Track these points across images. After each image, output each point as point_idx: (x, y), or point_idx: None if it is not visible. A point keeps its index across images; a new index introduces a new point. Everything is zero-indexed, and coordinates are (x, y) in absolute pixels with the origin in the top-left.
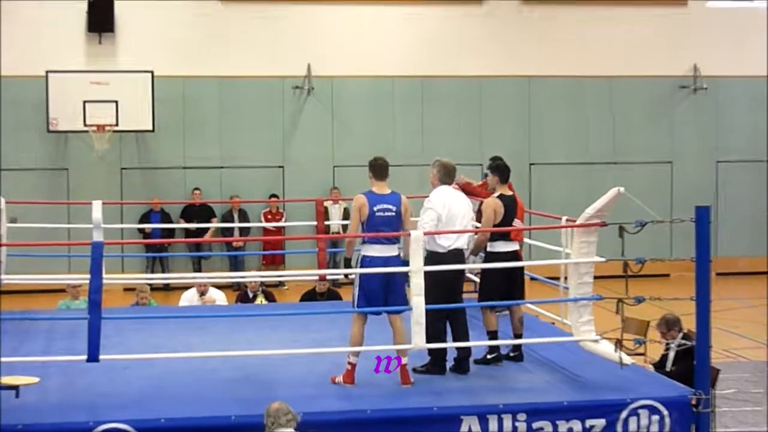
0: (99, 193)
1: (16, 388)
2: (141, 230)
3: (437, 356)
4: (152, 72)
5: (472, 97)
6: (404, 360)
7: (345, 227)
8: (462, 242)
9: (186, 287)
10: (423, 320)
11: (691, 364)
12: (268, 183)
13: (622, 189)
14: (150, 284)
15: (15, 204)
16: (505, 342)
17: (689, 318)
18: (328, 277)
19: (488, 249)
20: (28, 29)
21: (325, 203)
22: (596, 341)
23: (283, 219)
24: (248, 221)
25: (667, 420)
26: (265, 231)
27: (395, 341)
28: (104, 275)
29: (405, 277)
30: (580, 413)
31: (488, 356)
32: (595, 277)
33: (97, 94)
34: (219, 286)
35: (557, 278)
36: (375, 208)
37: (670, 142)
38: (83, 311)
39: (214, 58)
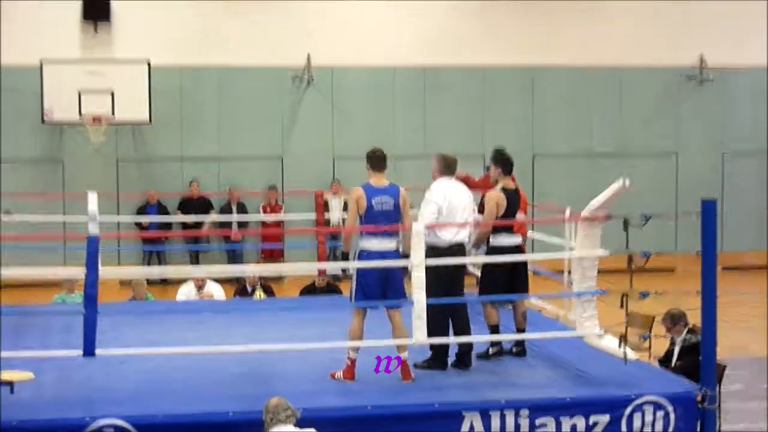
0: (95, 186)
1: (11, 383)
2: (138, 223)
3: (439, 351)
4: (149, 62)
5: (474, 88)
6: (404, 355)
7: (345, 220)
8: (463, 235)
9: (183, 281)
10: (424, 315)
11: (697, 360)
12: (267, 175)
13: (627, 181)
14: (147, 278)
15: (9, 196)
16: (507, 337)
17: (695, 313)
18: (328, 272)
19: (491, 242)
20: (23, 18)
21: (325, 195)
22: (600, 336)
23: (282, 212)
24: (247, 214)
25: (672, 416)
26: (264, 224)
27: (394, 336)
28: (100, 269)
29: (404, 270)
30: (584, 409)
31: (489, 351)
32: (599, 271)
33: (93, 84)
34: (217, 280)
35: (561, 272)
36: (373, 201)
37: (675, 134)
38: (79, 305)
39: (212, 48)
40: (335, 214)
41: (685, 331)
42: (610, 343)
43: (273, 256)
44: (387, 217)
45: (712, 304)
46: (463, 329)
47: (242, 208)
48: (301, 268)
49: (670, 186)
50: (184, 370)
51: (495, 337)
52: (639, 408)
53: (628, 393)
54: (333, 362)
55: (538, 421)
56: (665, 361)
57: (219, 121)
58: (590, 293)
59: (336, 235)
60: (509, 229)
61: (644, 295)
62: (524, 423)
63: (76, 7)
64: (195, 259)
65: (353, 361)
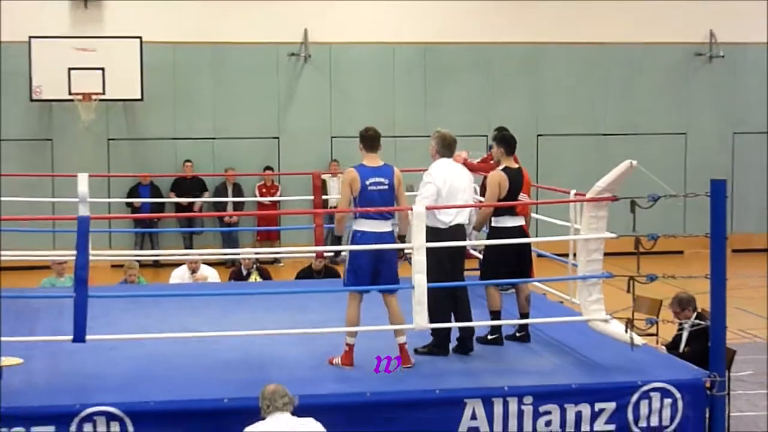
0: (85, 166)
1: None
2: (129, 204)
3: (440, 337)
4: (141, 38)
5: (478, 65)
6: (402, 339)
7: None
8: (463, 217)
9: (177, 264)
10: (425, 299)
11: (706, 345)
12: (263, 155)
13: (634, 162)
14: (139, 261)
15: None
16: (510, 322)
17: (704, 297)
18: (325, 254)
19: (493, 224)
20: None
21: (323, 176)
22: (606, 321)
23: (279, 193)
24: (243, 195)
25: (680, 403)
26: (260, 205)
27: (391, 320)
28: (91, 251)
29: (398, 253)
30: (589, 396)
31: (489, 336)
32: (606, 254)
33: (83, 61)
34: (211, 263)
35: (566, 255)
36: (367, 182)
37: (684, 112)
38: (69, 289)
39: (206, 23)
40: (334, 196)
41: (693, 316)
42: (616, 328)
43: (269, 238)
44: (382, 198)
45: (722, 288)
46: (464, 314)
47: (238, 190)
48: (298, 251)
49: (678, 166)
50: (177, 355)
51: (498, 322)
52: (646, 395)
53: (634, 380)
54: (331, 348)
55: (541, 409)
56: (673, 346)
57: (213, 100)
58: (596, 277)
59: (334, 217)
60: (511, 211)
61: (652, 278)
62: (527, 410)
63: None
64: (189, 241)
65: (351, 347)
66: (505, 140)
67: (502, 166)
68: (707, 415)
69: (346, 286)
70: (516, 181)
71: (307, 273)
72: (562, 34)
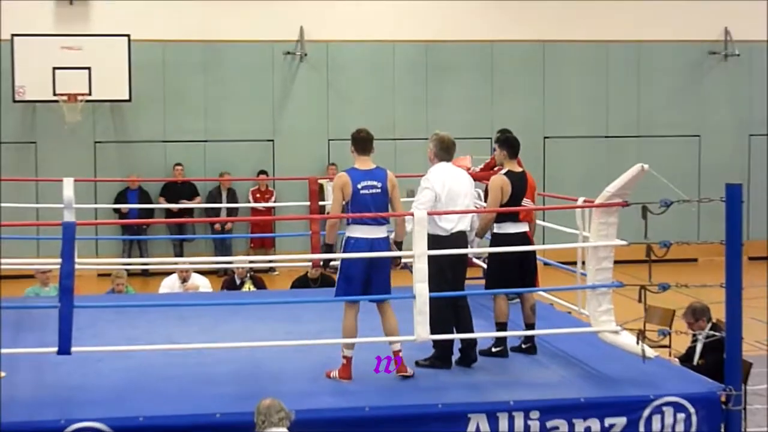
0: (70, 170)
1: None
2: (117, 210)
3: (442, 349)
4: (129, 36)
5: (481, 64)
6: (397, 347)
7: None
8: (465, 224)
9: (167, 273)
10: (426, 309)
11: (721, 358)
12: (257, 158)
13: (646, 166)
14: (127, 269)
15: None
16: (516, 333)
17: (719, 307)
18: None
19: (494, 230)
20: None
21: (320, 181)
22: (617, 332)
23: (273, 198)
24: (237, 201)
25: (695, 418)
26: (254, 211)
27: (385, 328)
28: (77, 259)
29: (392, 260)
30: (599, 411)
31: (493, 349)
32: (616, 262)
33: (69, 60)
34: (203, 272)
35: (574, 263)
36: (359, 186)
37: (698, 113)
38: (53, 299)
39: (197, 20)
40: (331, 202)
41: (708, 327)
42: (627, 340)
43: (263, 245)
44: (375, 202)
45: (737, 297)
46: (465, 324)
47: (233, 195)
48: (293, 258)
49: (692, 170)
50: (167, 368)
51: (503, 334)
52: (658, 410)
53: (646, 393)
54: (328, 360)
55: (549, 424)
56: (687, 359)
57: (205, 101)
58: (606, 286)
59: None
60: (514, 217)
61: (664, 287)
62: (534, 425)
63: None
64: (179, 249)
65: (349, 360)
66: (509, 143)
67: (504, 170)
68: (722, 431)
69: (338, 296)
70: (519, 185)
71: (302, 282)
72: (568, 31)
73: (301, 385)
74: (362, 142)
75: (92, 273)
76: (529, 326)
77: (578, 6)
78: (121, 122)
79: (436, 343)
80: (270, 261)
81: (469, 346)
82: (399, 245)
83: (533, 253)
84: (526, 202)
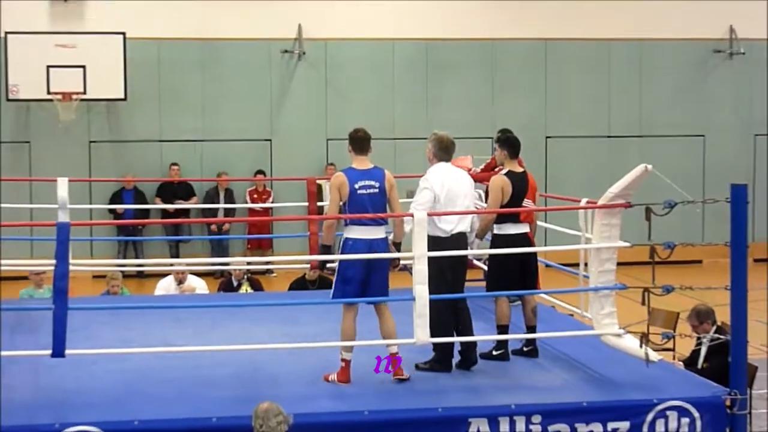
0: (65, 170)
1: None
2: (112, 210)
3: (443, 352)
4: (124, 34)
5: (482, 62)
6: (394, 349)
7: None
8: (465, 225)
9: (162, 274)
10: (427, 312)
11: (726, 361)
12: (254, 158)
13: (649, 166)
14: (122, 271)
15: None
16: (518, 336)
17: (723, 309)
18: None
19: (495, 231)
20: None
21: (319, 181)
22: (620, 335)
23: (271, 199)
24: (235, 202)
25: (699, 423)
26: (251, 212)
27: (383, 330)
28: (71, 260)
29: (390, 261)
30: (602, 415)
31: (494, 352)
32: (619, 264)
33: (63, 58)
34: (199, 274)
35: (576, 265)
36: (356, 186)
37: (702, 112)
38: (47, 301)
39: (193, 18)
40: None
41: (712, 330)
42: (630, 343)
43: (261, 247)
44: (373, 202)
45: (743, 300)
46: (465, 326)
47: (230, 196)
48: (291, 260)
49: (696, 170)
50: (163, 371)
51: (504, 337)
52: (662, 414)
53: (650, 397)
54: (327, 363)
55: (551, 428)
56: (691, 362)
57: (201, 99)
58: (609, 288)
59: None
60: (515, 218)
61: (668, 290)
62: (536, 430)
63: None
64: (175, 250)
65: (348, 363)
66: (509, 142)
67: (505, 170)
68: None
69: (335, 298)
70: (520, 185)
71: (300, 284)
72: (571, 29)
73: (299, 388)
74: (360, 142)
75: (87, 274)
76: (531, 329)
77: (580, 4)
78: (116, 121)
79: (436, 346)
80: (267, 262)
81: (469, 348)
82: (398, 246)
83: (534, 254)
84: (527, 203)
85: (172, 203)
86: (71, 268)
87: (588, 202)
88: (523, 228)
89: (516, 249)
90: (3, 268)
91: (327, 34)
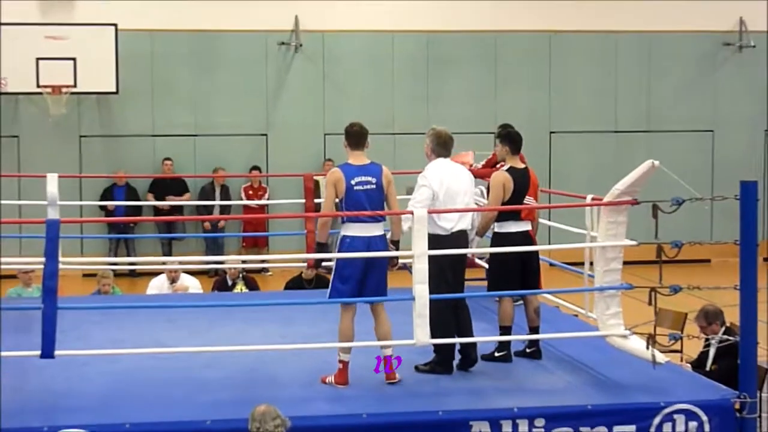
0: (54, 165)
1: None
2: (103, 207)
3: (444, 353)
4: (116, 25)
5: (484, 55)
6: (388, 351)
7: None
8: (465, 223)
9: (155, 273)
10: (427, 312)
11: (735, 363)
12: (250, 153)
13: (656, 162)
14: (113, 269)
15: None
16: (520, 337)
17: (733, 310)
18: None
19: (495, 229)
20: None
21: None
22: (625, 336)
23: (267, 195)
24: (230, 199)
25: (707, 426)
26: (246, 209)
27: (377, 331)
28: (61, 258)
29: (389, 259)
30: (607, 418)
31: (496, 353)
32: (625, 263)
33: (53, 50)
34: (193, 272)
35: (581, 264)
36: (353, 182)
37: (711, 107)
38: (36, 300)
39: (187, 9)
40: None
41: (721, 331)
42: (636, 344)
43: (256, 245)
44: (370, 199)
45: (752, 300)
46: (465, 326)
47: (226, 192)
48: (287, 258)
49: (705, 166)
50: (156, 373)
51: (507, 338)
52: (669, 417)
53: (656, 400)
54: (324, 365)
55: None
56: (699, 364)
57: (195, 93)
58: (614, 288)
59: None
60: (516, 215)
61: (675, 289)
62: None
63: None
64: (168, 248)
65: (345, 364)
66: (510, 138)
67: (506, 166)
68: None
69: (331, 297)
70: (522, 182)
71: (297, 283)
72: (576, 21)
73: (296, 390)
74: (356, 137)
75: (77, 273)
76: (533, 329)
77: None
78: (107, 115)
79: (437, 348)
80: (263, 261)
81: (468, 347)
82: (396, 244)
83: (536, 253)
84: (529, 200)
85: (165, 200)
86: (61, 266)
87: (593, 199)
88: (524, 226)
89: (518, 248)
90: None
91: (325, 25)
